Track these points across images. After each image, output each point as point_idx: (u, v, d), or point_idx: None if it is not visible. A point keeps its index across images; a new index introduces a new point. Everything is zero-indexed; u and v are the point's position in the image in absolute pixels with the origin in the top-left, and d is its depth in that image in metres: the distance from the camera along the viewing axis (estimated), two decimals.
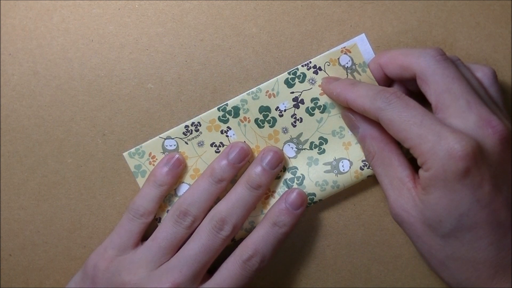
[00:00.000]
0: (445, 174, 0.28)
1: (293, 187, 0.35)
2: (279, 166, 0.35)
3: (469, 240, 0.29)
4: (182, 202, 0.34)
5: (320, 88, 0.35)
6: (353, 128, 0.34)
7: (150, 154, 0.36)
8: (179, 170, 0.35)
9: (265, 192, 0.35)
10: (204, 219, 0.34)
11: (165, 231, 0.34)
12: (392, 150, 0.32)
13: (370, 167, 0.34)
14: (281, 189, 0.36)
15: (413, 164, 0.31)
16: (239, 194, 0.34)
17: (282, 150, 0.36)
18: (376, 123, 0.33)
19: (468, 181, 0.28)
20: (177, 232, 0.34)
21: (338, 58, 0.35)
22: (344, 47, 0.35)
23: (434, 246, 0.30)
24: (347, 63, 0.35)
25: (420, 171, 0.29)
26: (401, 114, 0.29)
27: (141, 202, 0.34)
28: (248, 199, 0.34)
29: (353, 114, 0.34)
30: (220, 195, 0.35)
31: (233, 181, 0.35)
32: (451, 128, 0.28)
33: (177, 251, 0.34)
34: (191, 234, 0.34)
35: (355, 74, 0.35)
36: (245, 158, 0.35)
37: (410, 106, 0.29)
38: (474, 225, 0.28)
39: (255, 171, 0.34)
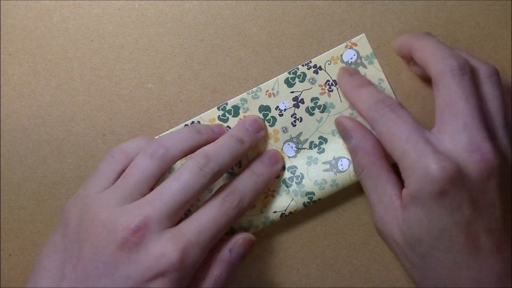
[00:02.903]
0: (421, 193, 0.28)
1: (292, 185, 0.35)
2: (261, 133, 0.35)
3: (447, 262, 0.28)
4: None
5: (320, 87, 0.35)
6: (346, 137, 0.34)
7: None
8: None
9: (248, 149, 0.34)
10: (188, 159, 0.32)
11: (135, 166, 0.31)
12: (383, 166, 0.32)
13: (359, 180, 0.34)
14: (280, 188, 0.36)
15: (402, 182, 0.31)
16: (225, 141, 0.33)
17: (282, 149, 0.36)
18: (370, 135, 0.33)
19: (446, 202, 0.27)
20: (148, 166, 0.31)
21: (341, 55, 0.35)
22: (349, 42, 0.35)
23: (414, 266, 0.30)
24: (351, 58, 0.35)
25: (404, 189, 0.30)
26: (390, 127, 0.30)
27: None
28: (234, 147, 0.32)
29: (347, 122, 0.34)
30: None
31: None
32: (435, 148, 0.28)
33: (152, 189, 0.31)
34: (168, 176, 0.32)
35: (360, 68, 0.35)
36: (223, 130, 0.35)
37: (401, 121, 0.30)
38: (453, 247, 0.28)
39: (238, 129, 0.34)
